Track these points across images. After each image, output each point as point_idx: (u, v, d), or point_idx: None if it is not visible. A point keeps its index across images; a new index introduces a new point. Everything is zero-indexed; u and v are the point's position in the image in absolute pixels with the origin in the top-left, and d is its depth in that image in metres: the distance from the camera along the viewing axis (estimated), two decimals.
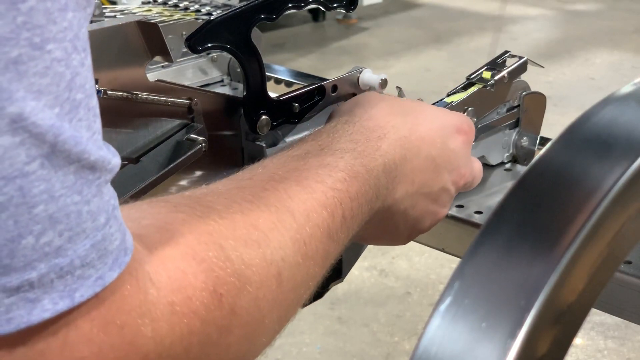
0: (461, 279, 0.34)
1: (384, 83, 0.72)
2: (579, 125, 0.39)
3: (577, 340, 1.98)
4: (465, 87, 0.74)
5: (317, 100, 0.68)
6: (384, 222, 0.58)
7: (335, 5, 0.69)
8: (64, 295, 0.32)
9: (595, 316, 1.97)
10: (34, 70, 0.30)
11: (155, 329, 0.36)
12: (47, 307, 0.32)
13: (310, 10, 4.84)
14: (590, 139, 0.38)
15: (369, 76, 0.71)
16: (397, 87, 0.71)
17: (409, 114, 0.61)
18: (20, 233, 0.30)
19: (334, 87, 0.69)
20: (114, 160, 0.34)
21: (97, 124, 0.33)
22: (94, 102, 0.33)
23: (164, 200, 0.44)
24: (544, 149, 0.38)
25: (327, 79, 0.70)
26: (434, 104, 0.71)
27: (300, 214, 0.47)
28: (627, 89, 0.42)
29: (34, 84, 0.30)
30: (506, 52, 0.77)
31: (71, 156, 0.31)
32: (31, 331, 0.32)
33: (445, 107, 0.71)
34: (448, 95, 0.74)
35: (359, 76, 0.71)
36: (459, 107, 0.72)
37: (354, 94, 0.71)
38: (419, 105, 0.63)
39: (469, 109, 0.73)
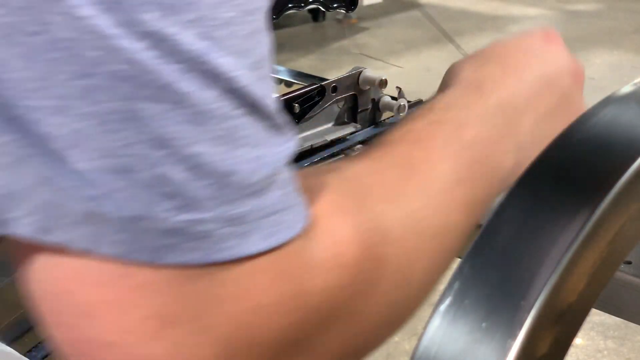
0: (461, 279, 0.34)
1: (383, 83, 0.72)
2: (579, 125, 0.39)
3: (577, 340, 1.98)
4: None
5: (317, 100, 0.68)
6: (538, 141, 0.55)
7: (335, 5, 0.69)
8: (269, 235, 0.35)
9: (595, 316, 1.97)
10: (242, 33, 0.33)
11: (325, 281, 0.37)
12: (256, 242, 0.34)
13: (310, 10, 4.83)
14: (590, 139, 0.38)
15: (369, 76, 0.71)
16: (397, 87, 0.71)
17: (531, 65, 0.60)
18: (231, 170, 0.33)
19: (334, 87, 0.69)
20: (291, 132, 0.37)
21: (275, 100, 0.36)
22: (273, 80, 0.37)
23: (308, 169, 0.46)
24: (544, 149, 0.38)
25: (327, 79, 0.70)
26: None
27: (425, 168, 0.48)
28: (627, 89, 0.42)
29: (242, 44, 0.33)
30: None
31: (267, 114, 0.35)
32: (226, 269, 0.34)
33: None
34: None
35: (359, 76, 0.71)
36: None
37: (354, 94, 0.71)
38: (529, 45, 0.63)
39: None
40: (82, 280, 0.33)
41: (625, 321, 0.64)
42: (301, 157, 0.67)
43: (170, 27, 0.31)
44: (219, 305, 0.34)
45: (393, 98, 0.74)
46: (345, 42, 4.60)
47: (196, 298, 0.34)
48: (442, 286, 0.36)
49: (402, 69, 3.94)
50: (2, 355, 0.64)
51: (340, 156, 0.71)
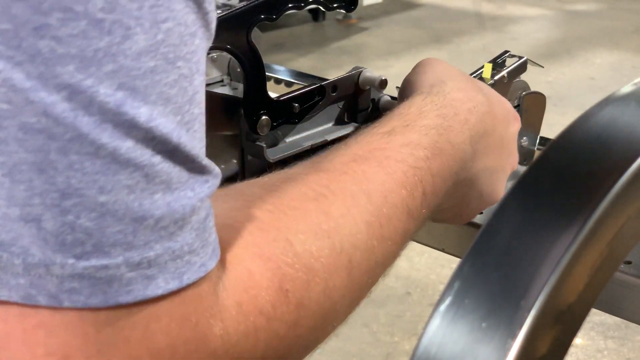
0: (461, 279, 0.34)
1: (383, 83, 0.72)
2: (579, 125, 0.39)
3: (577, 340, 1.98)
4: None
5: (317, 100, 0.68)
6: (460, 195, 0.59)
7: (335, 5, 0.69)
8: (175, 277, 0.35)
9: (595, 316, 1.97)
10: (165, 81, 0.34)
11: (224, 328, 0.38)
12: (161, 284, 0.35)
13: (310, 10, 4.84)
14: (590, 139, 0.38)
15: (369, 76, 0.71)
16: (397, 87, 0.71)
17: (483, 90, 0.62)
18: (144, 215, 0.34)
19: (334, 87, 0.69)
20: (217, 169, 0.38)
21: (204, 139, 0.38)
22: (203, 119, 0.37)
23: (238, 192, 0.46)
24: (543, 149, 0.38)
25: (327, 79, 0.70)
26: None
27: (378, 196, 0.48)
28: (627, 89, 0.42)
29: (164, 92, 0.33)
30: (506, 52, 0.77)
31: (187, 157, 0.35)
32: (126, 312, 0.34)
33: None
34: None
35: (359, 76, 0.71)
36: None
37: (354, 94, 0.71)
38: (484, 85, 0.65)
39: None
40: None
41: (625, 321, 0.64)
42: (301, 157, 0.67)
43: (87, 80, 0.31)
44: (120, 346, 0.34)
45: (393, 98, 0.74)
46: (345, 42, 4.60)
47: (97, 339, 0.34)
48: (442, 286, 0.36)
49: (402, 69, 3.94)
50: None
51: None
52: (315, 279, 0.42)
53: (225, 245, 0.39)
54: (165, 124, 0.33)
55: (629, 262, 0.61)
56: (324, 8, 0.69)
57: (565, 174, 0.37)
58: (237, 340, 0.38)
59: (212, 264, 0.37)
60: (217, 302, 0.37)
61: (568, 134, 0.39)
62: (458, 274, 0.34)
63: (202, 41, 0.36)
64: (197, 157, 0.36)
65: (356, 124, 0.73)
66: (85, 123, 0.31)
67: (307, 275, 0.41)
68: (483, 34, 4.68)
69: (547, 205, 0.36)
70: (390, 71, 3.86)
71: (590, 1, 5.49)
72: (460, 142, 0.56)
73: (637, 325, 0.65)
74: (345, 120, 0.73)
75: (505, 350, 0.31)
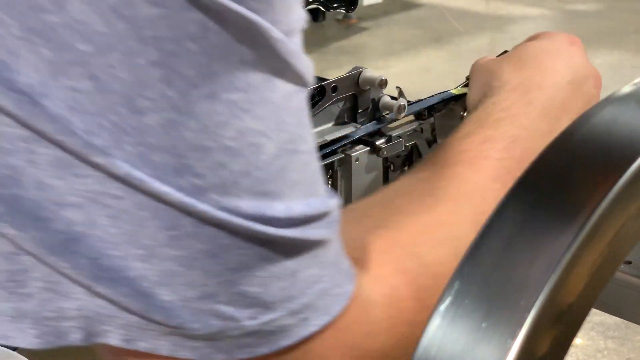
0: (461, 279, 0.34)
1: (383, 83, 0.72)
2: (579, 125, 0.39)
3: (577, 340, 1.98)
4: (466, 87, 0.74)
5: (317, 100, 0.68)
6: None
7: (335, 5, 0.69)
8: (324, 312, 0.39)
9: (595, 316, 1.96)
10: (292, 169, 0.38)
11: (380, 342, 0.42)
12: (314, 322, 0.39)
13: (310, 10, 4.82)
14: (590, 139, 0.38)
15: (369, 76, 0.71)
16: (397, 87, 0.71)
17: (527, 62, 0.65)
18: (298, 268, 0.38)
19: (334, 87, 0.69)
20: (335, 200, 0.42)
21: (322, 177, 0.42)
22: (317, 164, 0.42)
23: (362, 213, 0.51)
24: (543, 149, 0.38)
25: (327, 79, 0.70)
26: (437, 94, 0.72)
27: (476, 195, 0.51)
28: (627, 89, 0.42)
29: (293, 181, 0.38)
30: (506, 51, 0.77)
31: (322, 214, 0.39)
32: (288, 353, 0.39)
33: (451, 96, 0.72)
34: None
35: (359, 76, 0.71)
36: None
37: (354, 94, 0.71)
38: (524, 52, 0.67)
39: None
40: None
41: (625, 321, 0.64)
42: None
43: (230, 200, 0.35)
44: None
45: (393, 98, 0.74)
46: (345, 42, 4.60)
47: None
48: None
49: (402, 69, 3.94)
50: (3, 355, 0.64)
51: (341, 156, 0.71)
52: (442, 284, 0.45)
53: (366, 266, 0.43)
54: (297, 205, 0.38)
55: (629, 262, 0.61)
56: (324, 8, 0.69)
57: (565, 174, 0.37)
58: (391, 351, 0.42)
59: (351, 287, 0.41)
60: (369, 320, 0.41)
61: (568, 134, 0.39)
62: (458, 274, 0.34)
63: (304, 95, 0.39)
64: (328, 206, 0.40)
65: (356, 124, 0.73)
66: (235, 224, 0.36)
67: (436, 282, 0.44)
68: (483, 34, 4.67)
69: (547, 205, 0.36)
70: (390, 71, 3.86)
71: (590, 1, 5.49)
72: (531, 123, 0.58)
73: (637, 325, 0.65)
74: (345, 120, 0.73)
75: (505, 350, 0.31)
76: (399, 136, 0.74)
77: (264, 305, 0.37)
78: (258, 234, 0.36)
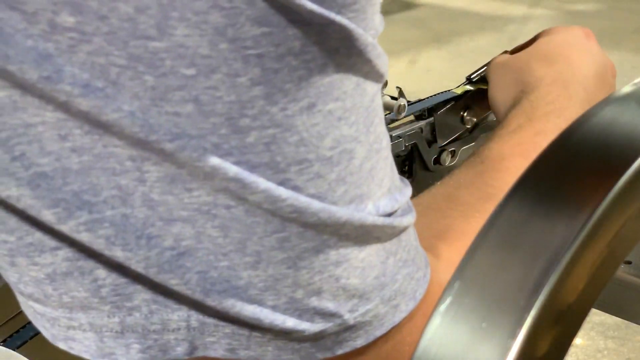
0: (461, 279, 0.34)
1: (383, 84, 0.72)
2: (579, 125, 0.39)
3: (577, 340, 1.98)
4: (466, 86, 0.74)
5: None
6: None
7: None
8: (411, 297, 0.40)
9: (595, 316, 1.97)
10: (378, 168, 0.38)
11: None
12: (403, 309, 0.40)
13: None
14: (590, 139, 0.38)
15: None
16: (397, 87, 0.71)
17: (560, 54, 0.68)
18: (388, 255, 0.39)
19: None
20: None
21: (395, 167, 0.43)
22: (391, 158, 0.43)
23: (422, 207, 0.51)
24: (543, 149, 0.38)
25: None
26: (438, 94, 0.72)
27: None
28: (627, 89, 0.42)
29: (380, 179, 0.39)
30: (506, 52, 0.77)
31: (406, 202, 0.41)
32: (381, 342, 0.40)
33: (452, 96, 0.72)
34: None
35: None
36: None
37: None
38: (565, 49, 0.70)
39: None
40: None
41: (625, 321, 0.64)
42: None
43: (329, 206, 0.36)
44: None
45: (393, 98, 0.74)
46: None
47: None
48: None
49: (402, 69, 3.94)
50: (3, 355, 0.64)
51: None
52: None
53: (438, 252, 0.45)
54: (385, 200, 0.38)
55: (629, 262, 0.61)
56: None
57: (565, 174, 0.37)
58: None
59: (429, 271, 0.42)
60: None
61: (568, 134, 0.39)
62: (458, 273, 0.34)
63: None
64: (408, 193, 0.41)
65: None
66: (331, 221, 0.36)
67: None
68: (483, 34, 4.67)
69: (547, 205, 0.36)
70: (391, 71, 3.85)
71: (590, 1, 5.49)
72: (575, 116, 0.60)
73: (637, 325, 0.65)
74: None
75: (505, 350, 0.31)
76: (399, 136, 0.74)
77: (362, 296, 0.38)
78: (355, 224, 0.37)
